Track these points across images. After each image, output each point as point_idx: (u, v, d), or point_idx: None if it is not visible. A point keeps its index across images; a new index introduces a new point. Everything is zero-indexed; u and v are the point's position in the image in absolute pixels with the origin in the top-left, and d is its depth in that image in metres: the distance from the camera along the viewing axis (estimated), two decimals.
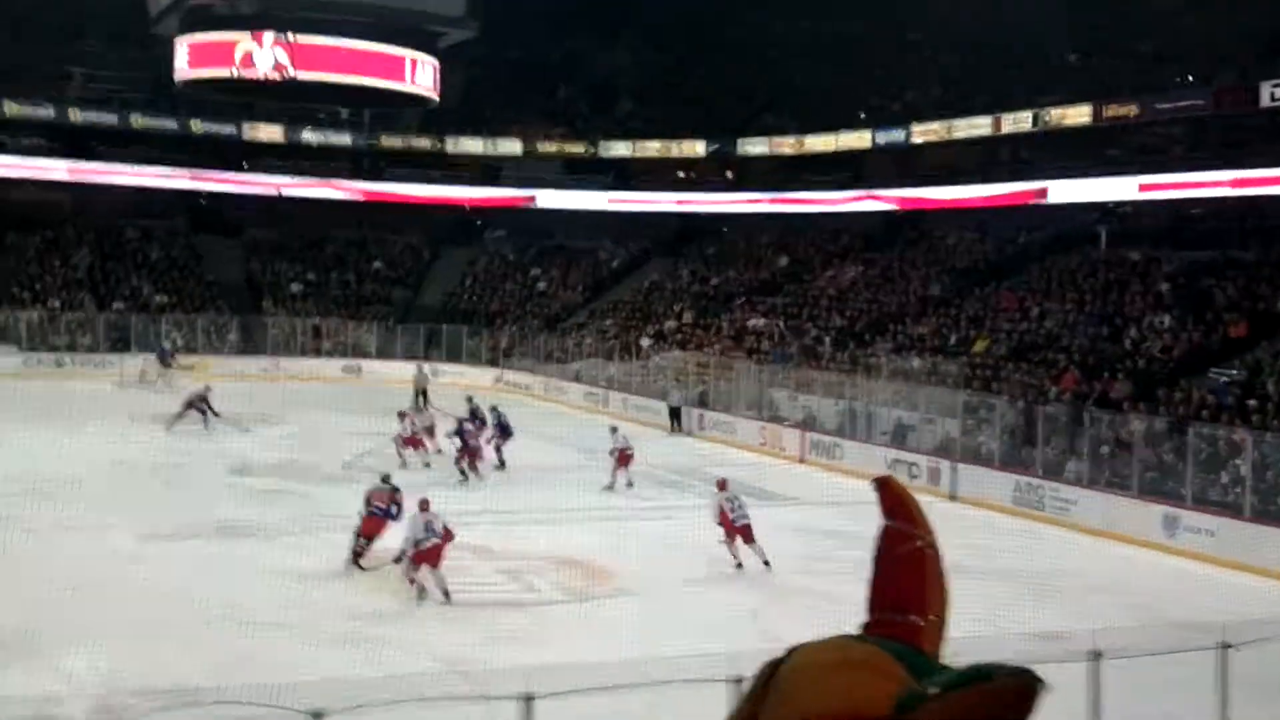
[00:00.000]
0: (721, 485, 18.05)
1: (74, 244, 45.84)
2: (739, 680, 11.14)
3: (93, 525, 17.51)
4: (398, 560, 15.29)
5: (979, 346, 30.81)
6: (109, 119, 46.20)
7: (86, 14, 48.09)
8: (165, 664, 11.63)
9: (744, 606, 15.07)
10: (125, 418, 26.41)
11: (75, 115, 45.75)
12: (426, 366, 36.36)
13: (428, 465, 24.20)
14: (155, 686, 11.03)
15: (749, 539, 17.08)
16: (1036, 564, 17.76)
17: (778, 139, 44.47)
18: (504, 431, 25.13)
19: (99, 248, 46.11)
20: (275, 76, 28.13)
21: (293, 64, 27.81)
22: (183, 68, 29.06)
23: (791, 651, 1.32)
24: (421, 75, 29.74)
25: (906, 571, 1.42)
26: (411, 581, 15.00)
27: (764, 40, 50.28)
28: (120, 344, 40.03)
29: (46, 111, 45.63)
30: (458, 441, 23.62)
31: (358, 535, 16.35)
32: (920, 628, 1.37)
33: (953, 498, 23.09)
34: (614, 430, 24.25)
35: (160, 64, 40.80)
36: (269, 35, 27.49)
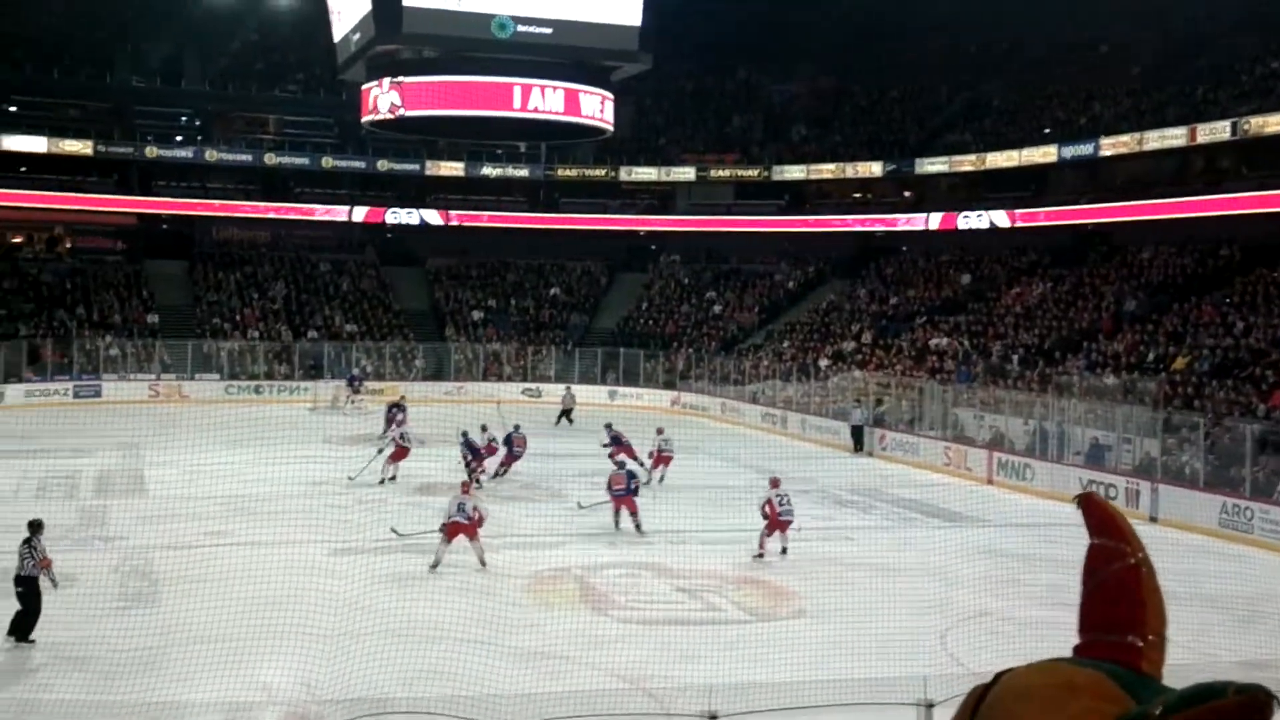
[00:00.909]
0: (774, 483, 19.18)
1: (271, 278, 48.04)
2: (929, 705, 10.78)
3: (288, 540, 18.10)
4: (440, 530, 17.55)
5: (1179, 363, 29.39)
6: (301, 161, 48.47)
7: (282, 64, 50.74)
8: (356, 675, 11.86)
9: (930, 629, 14.58)
10: (319, 440, 27.37)
11: (271, 159, 48.15)
12: (574, 389, 37.63)
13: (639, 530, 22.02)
14: (347, 696, 11.27)
15: (784, 531, 18.55)
16: (1245, 589, 16.71)
17: (958, 157, 43.54)
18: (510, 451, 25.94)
19: (294, 281, 48.23)
20: (458, 115, 28.95)
21: (467, 103, 28.52)
22: (368, 111, 30.13)
23: (1000, 676, 1.29)
24: (596, 108, 30.10)
25: (1120, 590, 1.34)
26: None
27: (941, 58, 49.52)
28: (314, 371, 41.68)
29: (245, 156, 48.19)
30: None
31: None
32: (1139, 648, 1.29)
33: (1153, 520, 21.99)
34: (659, 431, 25.20)
35: (348, 109, 42.55)
36: (449, 78, 28.28)
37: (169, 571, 16.68)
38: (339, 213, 48.87)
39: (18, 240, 48.17)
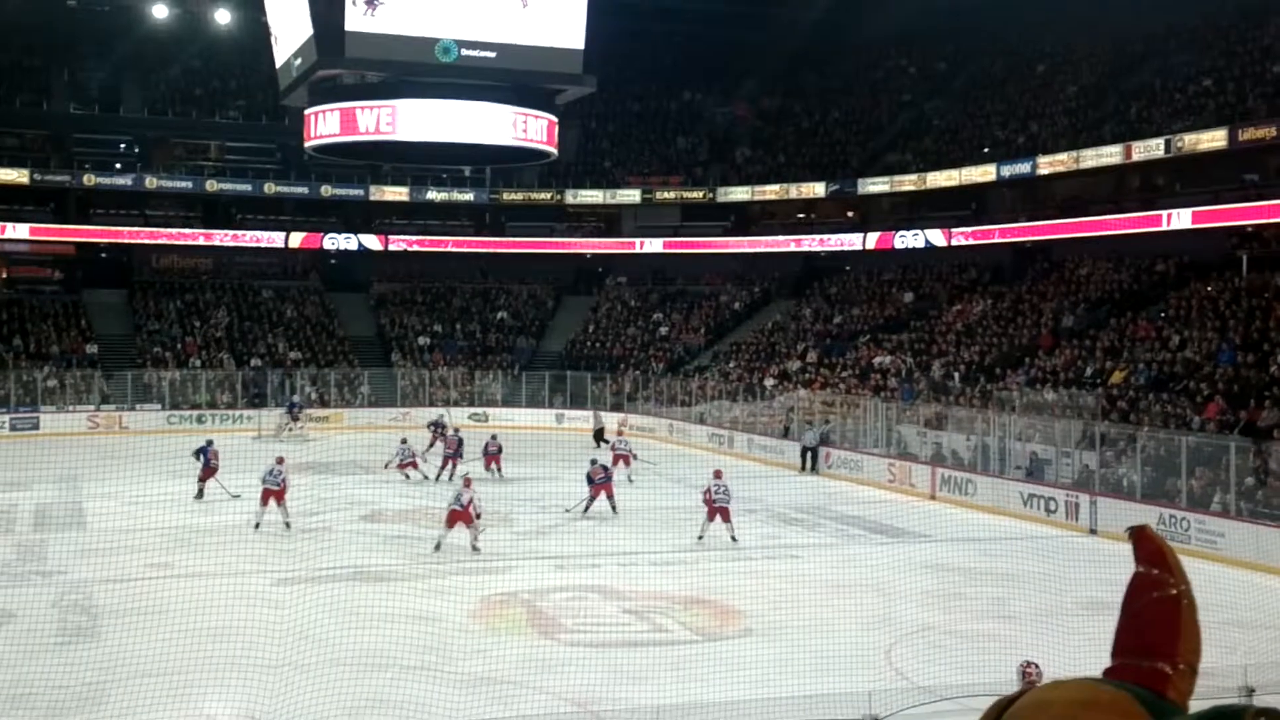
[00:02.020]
0: (717, 474, 22.15)
1: (213, 305, 47.58)
2: (875, 719, 10.90)
3: (231, 571, 17.94)
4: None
5: (1116, 377, 29.88)
6: (244, 187, 48.13)
7: (223, 90, 50.45)
8: (301, 705, 11.77)
9: (876, 645, 14.72)
10: (263, 469, 27.01)
11: (212, 185, 47.78)
12: (602, 414, 38.91)
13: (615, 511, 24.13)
14: None
15: (726, 518, 21.21)
16: None
17: (899, 177, 44.10)
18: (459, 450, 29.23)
19: (236, 308, 47.79)
20: (396, 139, 28.88)
21: (412, 128, 28.49)
22: (311, 136, 29.99)
23: (1026, 691, 1.32)
24: (541, 132, 30.15)
25: (1158, 618, 1.38)
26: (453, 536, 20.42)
27: (883, 79, 50.26)
28: (258, 399, 41.29)
29: (185, 183, 47.78)
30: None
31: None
32: (1168, 675, 1.33)
33: (1092, 532, 22.34)
34: (618, 434, 26.16)
35: (290, 134, 42.33)
36: (393, 102, 28.25)
37: (110, 605, 16.47)
38: (280, 239, 48.49)
39: None
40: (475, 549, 20.12)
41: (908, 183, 43.62)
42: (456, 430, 31.50)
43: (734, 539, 21.08)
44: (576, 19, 26.91)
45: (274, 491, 21.97)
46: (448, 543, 20.75)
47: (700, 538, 21.28)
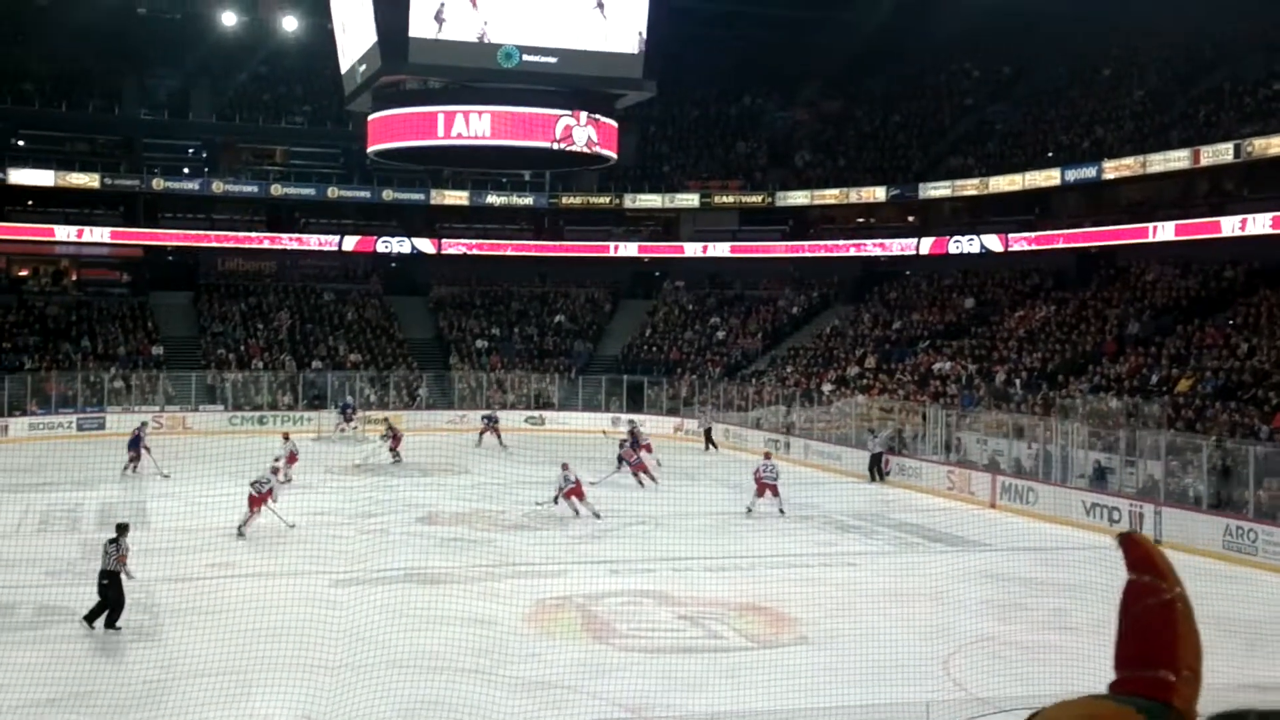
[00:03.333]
0: (766, 456, 26.56)
1: (275, 308, 48.18)
2: None
3: (290, 572, 18.12)
4: (554, 500, 24.31)
5: (1183, 385, 29.36)
6: (307, 191, 48.73)
7: (288, 96, 51.14)
8: (358, 706, 11.85)
9: (933, 655, 14.54)
10: (322, 470, 27.39)
11: (277, 190, 48.42)
12: (709, 418, 38.80)
13: (597, 516, 24.21)
14: None
15: (775, 494, 24.68)
16: (1250, 611, 16.62)
17: (961, 181, 43.68)
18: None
19: (298, 311, 48.36)
20: (457, 144, 29.11)
21: (473, 133, 28.72)
22: (373, 141, 30.36)
23: (1035, 715, 1.31)
24: (601, 136, 30.29)
25: (1156, 625, 1.36)
26: (576, 512, 24.05)
27: (945, 83, 49.82)
28: (318, 401, 41.73)
29: (251, 187, 48.47)
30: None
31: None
32: (1171, 683, 1.31)
33: (1157, 543, 21.78)
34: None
35: (353, 139, 42.76)
36: (456, 107, 28.54)
37: (171, 604, 16.71)
38: (340, 243, 48.95)
39: (24, 273, 48.39)
40: (597, 515, 23.81)
41: (969, 187, 43.19)
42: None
43: (782, 511, 24.48)
44: (637, 24, 26.99)
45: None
46: (504, 544, 20.91)
47: (749, 510, 24.73)
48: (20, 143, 47.47)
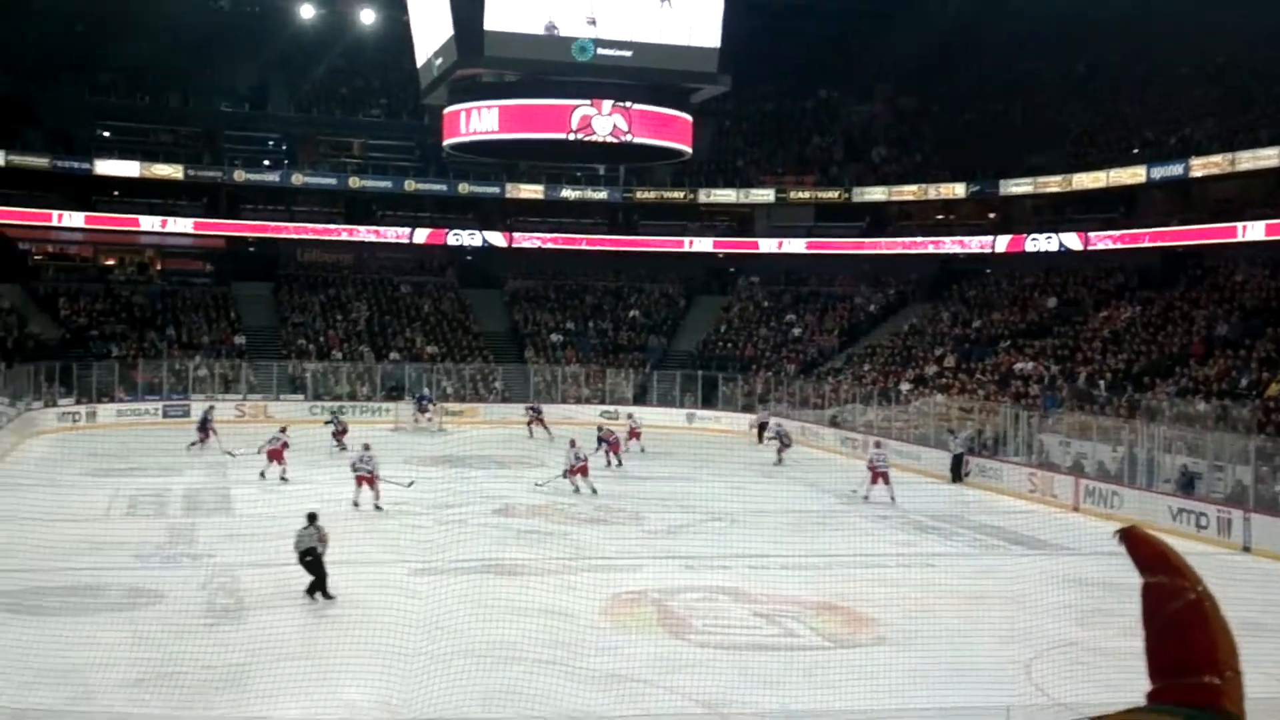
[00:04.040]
0: (877, 444, 28.35)
1: (353, 299, 48.77)
2: None
3: (369, 560, 18.32)
4: (564, 475, 26.10)
5: (1273, 389, 28.62)
6: (384, 184, 49.24)
7: (366, 89, 51.73)
8: (436, 694, 11.93)
9: (1014, 659, 14.31)
10: (400, 461, 27.63)
11: (355, 182, 48.99)
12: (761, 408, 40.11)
13: (594, 492, 25.96)
14: (426, 715, 11.34)
15: (886, 481, 25.84)
16: None
17: (1043, 178, 42.97)
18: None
19: (376, 303, 48.90)
20: (532, 138, 29.24)
21: (548, 127, 28.81)
22: (449, 134, 30.56)
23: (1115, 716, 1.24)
24: (675, 131, 30.24)
25: (1187, 628, 1.28)
26: (576, 488, 25.88)
27: (1027, 78, 49.00)
28: (395, 392, 42.16)
29: (330, 180, 49.09)
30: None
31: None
32: (1217, 687, 1.23)
33: (1246, 549, 21.42)
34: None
35: (429, 132, 43.13)
36: (529, 101, 28.67)
37: (255, 589, 16.97)
38: (411, 235, 49.42)
39: (110, 262, 49.50)
40: (594, 491, 25.54)
41: (1052, 184, 42.51)
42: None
43: (893, 499, 25.42)
44: (713, 18, 26.87)
45: (366, 477, 23.56)
46: (580, 538, 21.00)
47: (865, 497, 25.81)
48: (106, 134, 48.49)
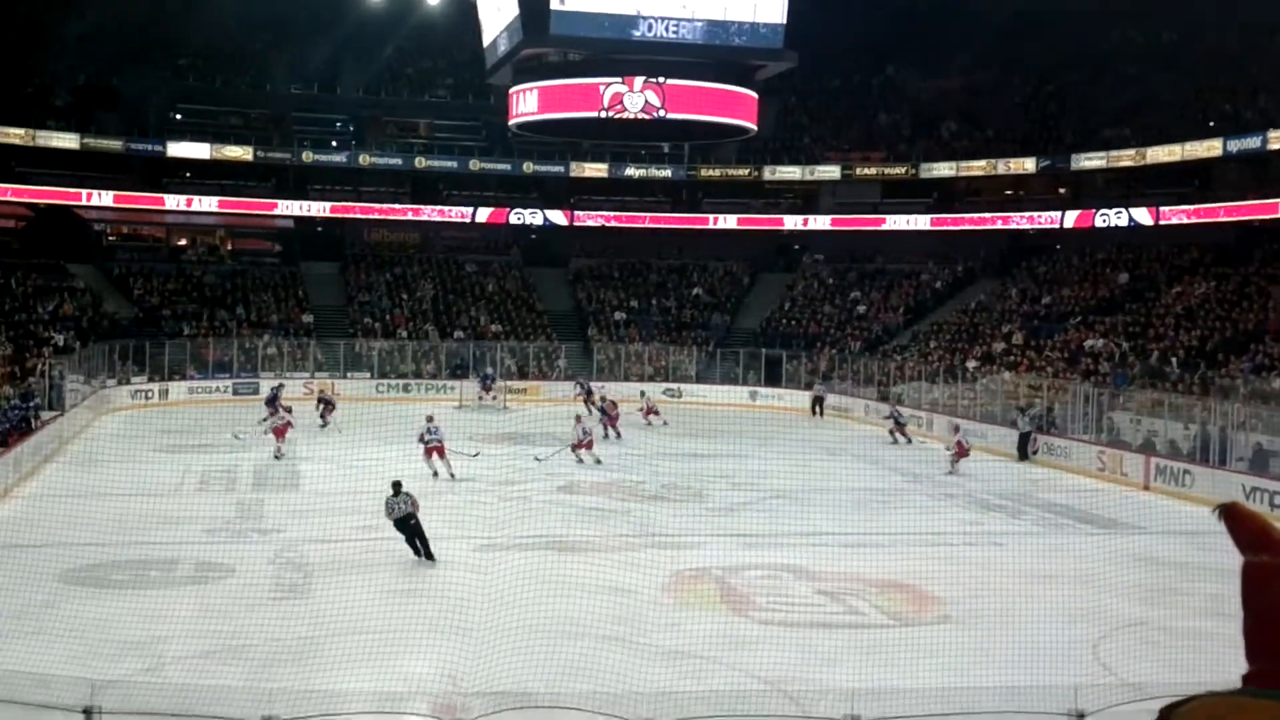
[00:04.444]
0: (956, 429, 28.40)
1: (419, 278, 49.16)
2: (1080, 715, 10.45)
3: (433, 536, 18.47)
4: (572, 448, 26.82)
5: None
6: (450, 164, 49.50)
7: (432, 70, 51.98)
8: (500, 669, 12.02)
9: (1082, 638, 14.12)
10: (464, 438, 27.83)
11: (421, 162, 49.31)
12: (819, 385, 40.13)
13: (598, 462, 26.94)
14: (490, 689, 11.43)
15: (962, 456, 27.05)
16: None
17: (1116, 152, 42.15)
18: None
19: (441, 281, 49.26)
20: (597, 116, 29.26)
21: (613, 105, 28.82)
22: (514, 114, 30.63)
23: (1188, 700, 1.21)
24: (741, 108, 30.10)
25: None
26: (580, 460, 26.64)
27: (1100, 52, 48.00)
28: (459, 370, 42.48)
29: (396, 160, 49.46)
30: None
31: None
32: None
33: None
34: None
35: (495, 112, 43.27)
36: (597, 80, 28.67)
37: (321, 563, 17.21)
38: (473, 214, 49.63)
39: (182, 243, 50.33)
40: (598, 461, 26.51)
41: (1125, 158, 41.71)
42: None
43: (949, 473, 26.34)
44: None
45: (436, 447, 24.34)
46: (643, 515, 21.07)
47: (951, 472, 26.66)
48: (178, 117, 49.21)
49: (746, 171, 49.84)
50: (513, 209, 49.76)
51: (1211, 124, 39.93)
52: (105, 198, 46.25)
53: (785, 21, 27.89)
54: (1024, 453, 29.52)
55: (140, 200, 46.73)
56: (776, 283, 50.89)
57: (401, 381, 41.40)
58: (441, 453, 24.44)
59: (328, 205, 48.98)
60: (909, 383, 38.20)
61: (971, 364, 38.18)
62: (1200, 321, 34.75)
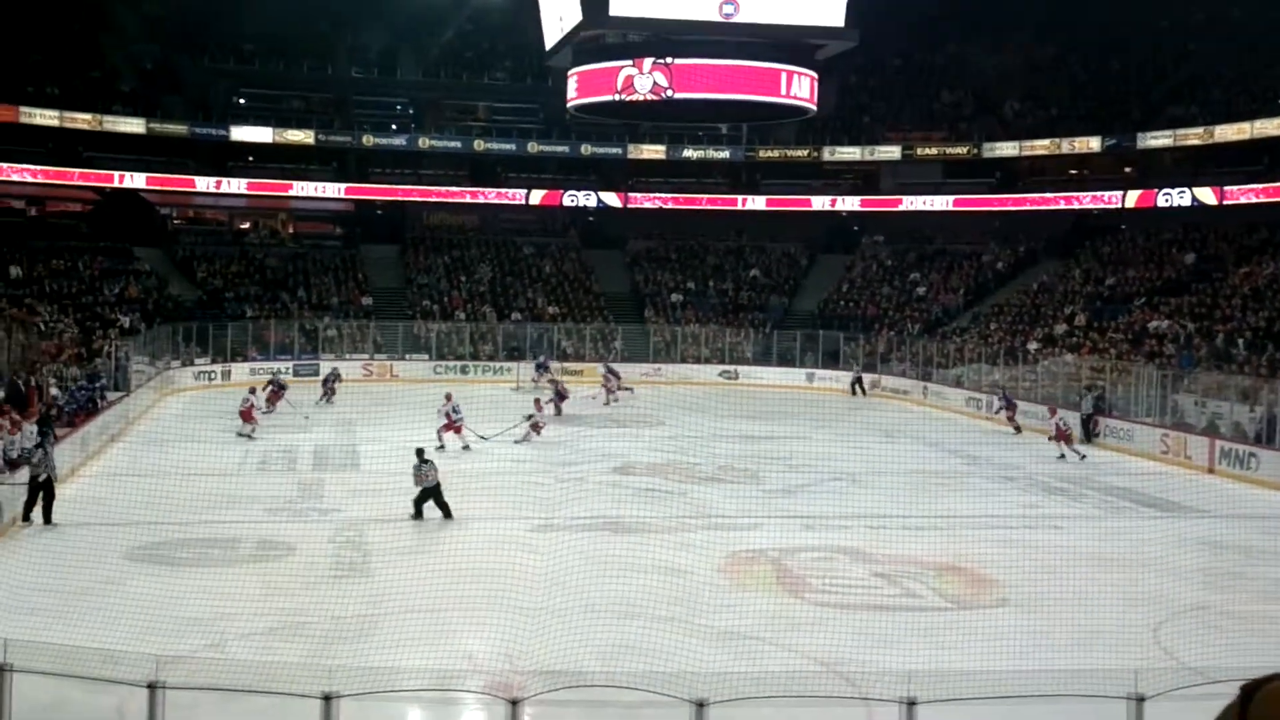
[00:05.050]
0: (1054, 411, 28.11)
1: (477, 261, 49.41)
2: (1140, 698, 10.31)
3: (490, 516, 18.64)
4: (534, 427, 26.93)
5: None
6: (508, 147, 49.66)
7: (491, 53, 52.08)
8: (556, 648, 12.10)
9: (1142, 622, 13.95)
10: (520, 418, 27.95)
11: (479, 145, 49.50)
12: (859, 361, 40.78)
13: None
14: (546, 668, 11.51)
15: (1070, 442, 26.59)
16: None
17: (1183, 130, 41.34)
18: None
19: (499, 264, 49.48)
20: (655, 99, 29.16)
21: (673, 86, 28.70)
22: (573, 96, 30.62)
23: (1272, 678, 1.29)
24: (799, 88, 29.81)
25: None
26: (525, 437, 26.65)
27: (1167, 27, 47.05)
28: (516, 352, 42.68)
29: (455, 143, 49.69)
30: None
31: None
32: None
33: None
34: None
35: (553, 94, 43.28)
36: (649, 61, 28.54)
37: (380, 543, 17.40)
38: (527, 196, 49.73)
39: (245, 226, 50.98)
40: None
41: (1193, 136, 40.89)
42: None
43: (1083, 456, 26.27)
44: None
45: (455, 425, 25.52)
46: (699, 496, 21.07)
47: (1064, 456, 26.24)
48: (241, 101, 49.77)
49: (805, 152, 49.50)
50: (566, 191, 49.85)
51: None
52: (238, 185, 47.43)
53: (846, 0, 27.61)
54: (1087, 435, 29.13)
55: (212, 184, 47.31)
56: (835, 264, 50.56)
57: (459, 363, 41.68)
58: (459, 430, 25.63)
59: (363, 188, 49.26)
60: (968, 364, 37.82)
61: (1033, 346, 37.72)
62: (1268, 302, 34.05)
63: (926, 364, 39.37)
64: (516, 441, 26.47)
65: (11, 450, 18.96)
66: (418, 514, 18.61)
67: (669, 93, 28.81)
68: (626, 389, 35.94)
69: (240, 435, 26.92)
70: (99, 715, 10.16)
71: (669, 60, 28.27)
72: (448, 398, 26.57)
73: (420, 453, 19.17)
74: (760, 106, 30.21)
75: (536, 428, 27.19)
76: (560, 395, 32.13)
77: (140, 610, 13.33)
